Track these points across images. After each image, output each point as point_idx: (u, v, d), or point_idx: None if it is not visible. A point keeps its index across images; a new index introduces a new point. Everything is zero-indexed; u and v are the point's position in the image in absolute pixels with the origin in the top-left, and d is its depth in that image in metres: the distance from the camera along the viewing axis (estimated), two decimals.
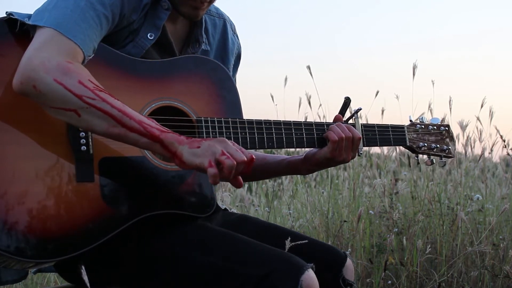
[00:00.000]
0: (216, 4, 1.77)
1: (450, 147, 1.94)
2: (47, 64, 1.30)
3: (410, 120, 1.92)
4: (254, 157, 1.37)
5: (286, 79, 3.14)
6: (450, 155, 1.94)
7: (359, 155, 1.72)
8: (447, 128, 1.95)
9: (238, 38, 1.85)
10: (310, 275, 1.35)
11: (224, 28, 1.80)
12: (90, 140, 1.41)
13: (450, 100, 3.23)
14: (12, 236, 1.29)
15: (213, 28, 1.77)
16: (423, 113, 2.56)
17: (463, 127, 3.33)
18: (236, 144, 1.39)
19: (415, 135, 1.89)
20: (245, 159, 1.35)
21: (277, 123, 1.65)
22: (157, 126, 1.36)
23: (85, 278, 1.26)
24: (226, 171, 1.32)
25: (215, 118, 1.56)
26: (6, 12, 1.40)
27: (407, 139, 1.87)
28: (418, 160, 1.98)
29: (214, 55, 1.76)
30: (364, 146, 1.76)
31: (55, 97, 1.30)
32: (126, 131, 1.33)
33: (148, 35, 1.56)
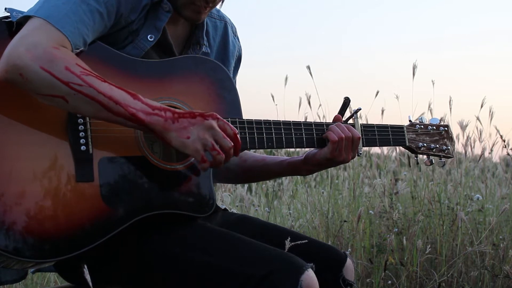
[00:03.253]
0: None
1: (449, 147, 1.94)
2: (33, 51, 1.29)
3: (410, 120, 1.92)
4: (237, 132, 1.45)
5: (286, 79, 3.15)
6: (449, 155, 1.94)
7: (358, 155, 1.72)
8: (446, 129, 1.95)
9: (239, 41, 1.85)
10: (310, 275, 1.35)
11: (225, 30, 1.79)
12: (89, 139, 1.41)
13: (450, 100, 3.23)
14: (12, 236, 1.29)
15: (214, 30, 1.77)
16: (423, 113, 2.57)
17: (463, 127, 3.33)
18: (220, 122, 1.43)
19: (414, 135, 1.89)
20: (232, 144, 1.42)
21: (277, 123, 1.65)
22: (143, 108, 1.36)
23: (88, 277, 1.27)
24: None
25: None
26: (5, 8, 1.40)
27: (407, 139, 1.87)
28: (417, 160, 1.98)
29: (214, 57, 1.75)
30: (363, 146, 1.76)
31: (42, 85, 1.30)
32: (112, 115, 1.35)
33: (148, 37, 1.56)
